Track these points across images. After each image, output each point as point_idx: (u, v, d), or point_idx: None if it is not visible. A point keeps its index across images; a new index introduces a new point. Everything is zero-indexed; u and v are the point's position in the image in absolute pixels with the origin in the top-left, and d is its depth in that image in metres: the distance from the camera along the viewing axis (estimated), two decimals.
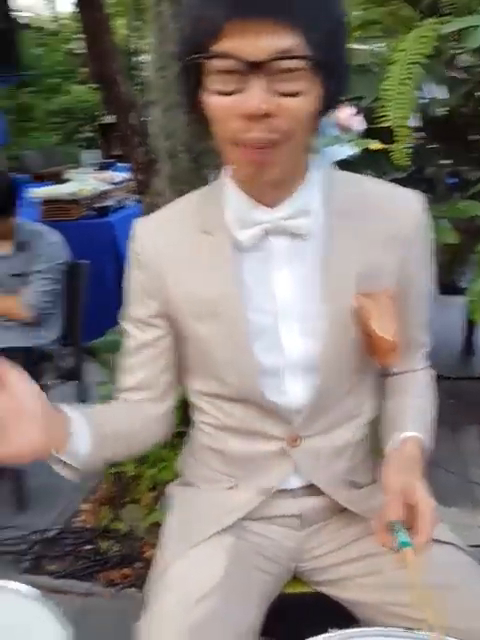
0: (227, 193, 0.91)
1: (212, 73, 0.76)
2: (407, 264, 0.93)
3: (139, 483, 2.15)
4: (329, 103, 0.81)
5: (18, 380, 0.78)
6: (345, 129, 3.86)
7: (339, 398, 0.96)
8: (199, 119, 0.83)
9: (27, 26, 8.61)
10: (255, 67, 0.72)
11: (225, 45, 0.72)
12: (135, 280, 0.98)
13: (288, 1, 0.71)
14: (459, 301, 1.99)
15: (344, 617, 1.00)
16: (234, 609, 0.88)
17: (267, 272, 0.91)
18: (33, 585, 1.88)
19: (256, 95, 0.73)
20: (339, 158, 2.21)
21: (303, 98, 0.75)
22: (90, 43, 1.95)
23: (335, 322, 0.90)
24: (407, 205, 0.94)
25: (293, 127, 0.77)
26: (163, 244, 0.95)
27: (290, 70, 0.73)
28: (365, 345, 0.92)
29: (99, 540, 2.08)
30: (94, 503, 2.26)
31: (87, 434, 0.86)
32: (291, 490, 1.00)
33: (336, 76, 0.79)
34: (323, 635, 0.74)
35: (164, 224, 0.98)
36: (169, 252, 0.94)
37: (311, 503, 1.00)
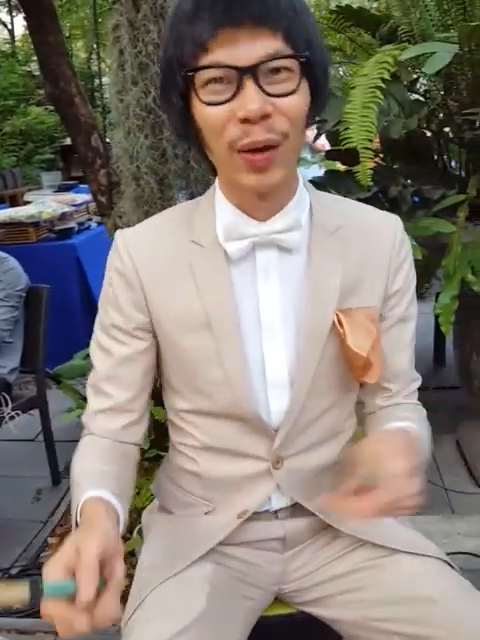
0: (218, 205, 0.91)
1: (203, 85, 0.77)
2: (388, 285, 0.95)
3: None
4: (317, 102, 0.83)
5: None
6: (316, 151, 3.94)
7: (320, 414, 0.95)
8: (188, 136, 0.85)
9: None
10: (247, 72, 0.74)
11: (214, 56, 0.75)
12: (116, 292, 0.94)
13: (269, 7, 0.74)
14: (429, 314, 2.02)
15: (328, 636, 0.99)
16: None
17: (254, 285, 0.91)
18: None
19: (252, 98, 0.75)
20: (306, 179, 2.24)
21: (296, 96, 0.77)
22: (44, 66, 1.93)
23: (313, 337, 0.91)
24: (385, 226, 0.96)
25: (290, 126, 0.78)
26: (149, 255, 0.92)
27: (279, 71, 0.76)
28: (344, 361, 0.92)
29: None
30: (61, 537, 2.19)
31: (122, 513, 0.84)
32: (274, 512, 0.99)
33: (320, 74, 0.81)
34: None
35: (150, 234, 0.95)
36: (156, 263, 0.92)
37: (295, 524, 0.99)
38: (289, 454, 0.94)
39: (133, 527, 1.61)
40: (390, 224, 0.97)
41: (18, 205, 4.66)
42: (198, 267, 0.90)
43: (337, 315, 0.90)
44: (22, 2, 1.95)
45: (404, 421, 0.93)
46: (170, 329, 0.92)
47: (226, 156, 0.81)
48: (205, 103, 0.78)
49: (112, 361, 0.96)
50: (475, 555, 1.83)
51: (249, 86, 0.75)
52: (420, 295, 2.54)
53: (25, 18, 1.98)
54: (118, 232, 0.96)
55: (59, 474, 2.50)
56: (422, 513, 2.08)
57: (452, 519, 2.02)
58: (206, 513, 0.99)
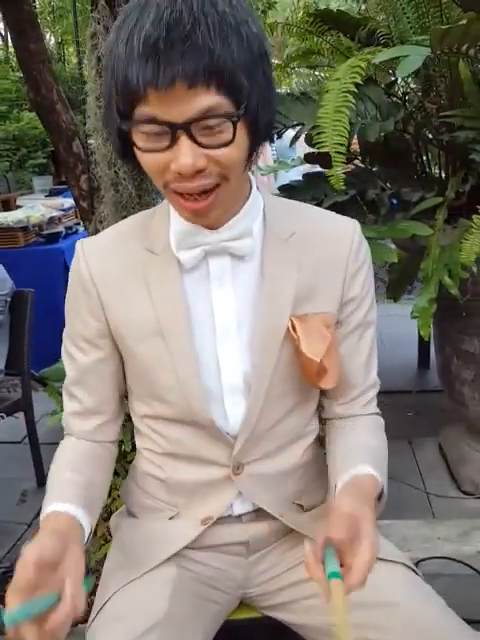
0: (171, 214, 0.92)
1: (140, 133, 0.77)
2: (344, 290, 0.94)
3: None
4: (258, 142, 0.82)
5: None
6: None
7: (279, 420, 0.95)
8: (135, 164, 0.84)
9: None
10: (180, 128, 0.74)
11: (149, 109, 0.74)
12: (76, 300, 0.96)
13: (200, 66, 0.71)
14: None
15: None
16: None
17: (207, 292, 0.91)
18: None
19: (186, 154, 0.74)
20: (283, 183, 2.25)
21: (231, 147, 0.77)
22: (26, 73, 1.95)
23: (268, 344, 0.91)
24: (342, 231, 0.96)
25: (224, 173, 0.79)
26: (105, 263, 0.94)
27: (213, 126, 0.75)
28: (299, 367, 0.92)
29: None
30: None
31: (88, 523, 0.87)
32: (237, 516, 0.99)
33: (261, 117, 0.79)
34: None
35: (108, 243, 0.97)
36: (112, 271, 0.93)
37: (258, 529, 1.00)
38: (249, 460, 0.95)
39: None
40: (347, 229, 0.96)
41: (11, 210, 4.68)
42: (151, 275, 0.91)
43: (291, 321, 0.91)
44: (3, 10, 1.97)
45: (365, 456, 0.91)
46: (126, 336, 0.93)
47: (165, 192, 0.82)
48: (141, 150, 0.78)
49: (77, 368, 0.99)
50: (454, 560, 1.84)
51: (183, 141, 0.74)
52: (399, 298, 2.56)
53: (6, 25, 2.00)
54: (79, 241, 0.98)
55: (44, 476, 2.49)
56: (402, 517, 2.09)
57: (432, 523, 2.03)
58: (170, 518, 0.99)
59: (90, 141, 1.95)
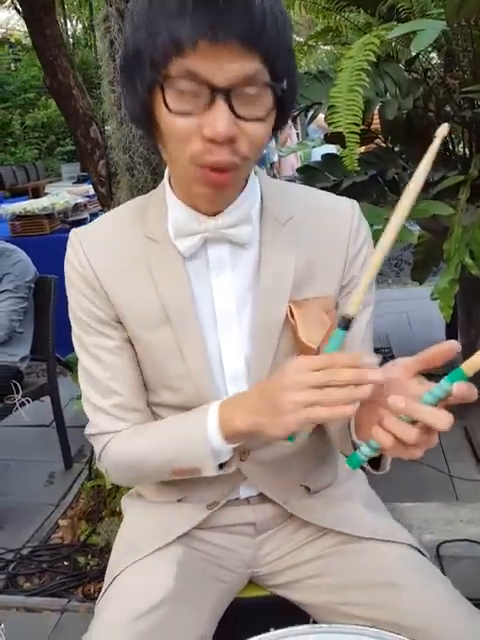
0: (168, 200, 0.89)
1: (172, 92, 0.72)
2: (345, 273, 0.93)
3: (117, 495, 2.15)
4: (281, 123, 0.82)
5: None
6: (324, 129, 3.90)
7: None
8: (143, 124, 0.80)
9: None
10: (220, 91, 0.71)
11: (189, 65, 0.70)
12: (80, 290, 0.92)
13: (254, 28, 0.69)
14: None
15: (300, 618, 1.00)
16: (183, 620, 0.88)
17: (207, 280, 0.90)
18: (6, 605, 1.88)
19: (221, 120, 0.71)
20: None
21: (263, 123, 0.75)
22: (42, 58, 1.96)
23: (268, 330, 0.90)
24: (341, 213, 0.94)
25: (252, 151, 0.77)
26: (106, 252, 0.90)
27: (253, 96, 0.73)
28: (298, 353, 0.91)
29: (76, 555, 2.07)
30: (72, 519, 2.26)
31: None
32: (245, 499, 1.00)
33: (288, 102, 0.79)
34: (260, 636, 0.73)
35: (104, 231, 0.94)
36: (113, 259, 0.90)
37: (265, 510, 1.00)
38: (255, 445, 0.94)
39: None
40: (346, 210, 0.94)
41: (40, 197, 4.74)
42: (154, 263, 0.90)
43: (290, 307, 0.89)
44: None
45: None
46: (133, 325, 0.91)
47: (185, 165, 0.78)
48: (171, 111, 0.73)
49: (104, 357, 0.93)
50: (476, 542, 1.82)
51: (220, 106, 0.71)
52: (425, 280, 2.52)
53: (23, 11, 2.01)
54: (73, 231, 0.95)
55: (71, 458, 2.58)
56: (425, 499, 2.08)
57: (455, 506, 2.01)
58: (179, 500, 1.00)
59: (106, 127, 1.96)
